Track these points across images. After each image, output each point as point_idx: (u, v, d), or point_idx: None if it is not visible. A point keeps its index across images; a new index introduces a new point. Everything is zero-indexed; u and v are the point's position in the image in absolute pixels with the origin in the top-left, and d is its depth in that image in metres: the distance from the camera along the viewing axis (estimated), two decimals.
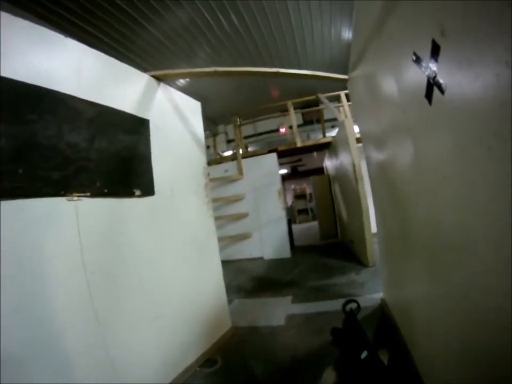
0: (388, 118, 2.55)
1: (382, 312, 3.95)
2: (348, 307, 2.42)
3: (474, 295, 1.32)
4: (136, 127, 3.01)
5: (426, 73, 1.41)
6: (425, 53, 1.39)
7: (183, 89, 4.00)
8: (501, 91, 0.91)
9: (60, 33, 2.45)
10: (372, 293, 4.67)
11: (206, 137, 4.33)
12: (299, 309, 4.68)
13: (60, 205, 2.22)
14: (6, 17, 2.05)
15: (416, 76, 1.57)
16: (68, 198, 2.26)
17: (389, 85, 2.25)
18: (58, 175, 2.19)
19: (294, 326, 4.07)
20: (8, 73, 1.97)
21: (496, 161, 0.99)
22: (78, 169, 2.34)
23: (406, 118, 1.96)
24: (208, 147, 4.43)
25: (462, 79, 1.11)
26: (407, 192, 2.28)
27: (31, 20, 2.20)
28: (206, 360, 3.38)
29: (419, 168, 1.87)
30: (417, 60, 1.51)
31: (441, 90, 1.28)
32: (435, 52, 1.28)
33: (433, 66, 1.33)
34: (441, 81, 1.27)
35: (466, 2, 1.02)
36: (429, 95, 1.42)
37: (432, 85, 1.36)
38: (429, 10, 1.31)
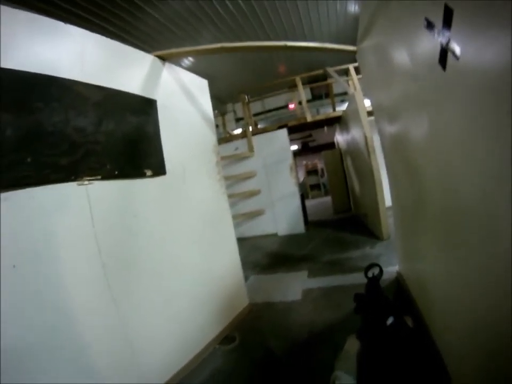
0: (400, 88, 2.48)
1: (398, 285, 3.96)
2: (370, 272, 2.35)
3: (492, 276, 1.29)
4: (144, 108, 2.99)
5: (439, 39, 1.36)
6: (437, 18, 1.33)
7: (189, 69, 3.94)
8: None
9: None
10: (387, 266, 4.64)
11: (215, 116, 4.30)
12: (315, 283, 4.71)
13: (71, 190, 2.24)
14: (6, 9, 2.03)
15: (428, 42, 1.51)
16: (79, 182, 2.27)
17: (400, 54, 2.18)
18: (67, 160, 2.19)
19: (311, 301, 4.10)
20: (10, 64, 1.96)
21: None
22: (86, 153, 2.34)
23: (419, 87, 1.91)
24: (217, 126, 4.40)
25: (477, 43, 1.06)
26: (422, 162, 2.23)
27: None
28: (225, 338, 3.43)
29: (434, 137, 1.82)
30: (429, 26, 1.46)
31: (456, 56, 1.23)
32: (448, 17, 1.23)
33: (446, 32, 1.27)
34: (455, 45, 1.22)
35: None
36: (443, 61, 1.37)
37: (445, 50, 1.32)
38: None
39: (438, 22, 1.32)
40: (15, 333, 1.77)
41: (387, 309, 2.08)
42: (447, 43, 1.28)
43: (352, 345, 2.08)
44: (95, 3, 6.17)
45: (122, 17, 6.97)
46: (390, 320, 1.98)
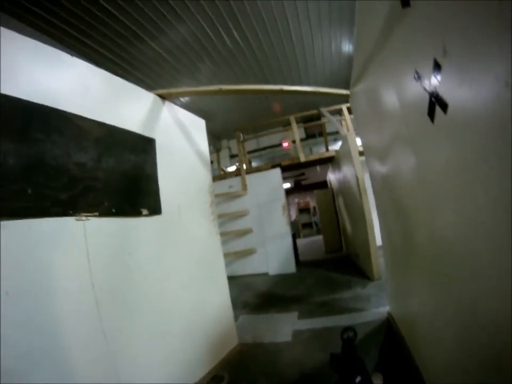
0: (390, 132, 2.58)
1: (388, 325, 3.93)
2: (346, 334, 2.53)
3: (476, 309, 1.34)
4: (143, 147, 3.05)
5: (428, 91, 1.44)
6: (427, 71, 1.42)
7: (186, 105, 4.08)
8: (501, 112, 0.93)
9: (65, 50, 2.51)
10: (378, 306, 4.65)
11: (210, 152, 4.37)
12: (305, 324, 4.65)
13: (69, 225, 2.25)
14: (13, 36, 2.10)
15: (418, 93, 1.60)
16: (77, 218, 2.29)
17: (391, 101, 2.28)
18: (66, 194, 2.22)
19: (301, 342, 4.05)
20: (15, 92, 2.01)
21: (496, 178, 1.02)
22: (85, 188, 2.37)
23: (409, 133, 1.99)
24: (212, 162, 4.49)
25: (463, 98, 1.14)
26: (411, 206, 2.30)
27: (35, 36, 2.26)
28: (213, 377, 3.36)
29: (422, 182, 1.89)
30: (419, 78, 1.54)
31: (444, 109, 1.30)
32: (437, 71, 1.31)
33: (435, 85, 1.36)
34: (443, 99, 1.30)
35: (468, 24, 1.05)
36: (431, 113, 1.45)
37: (434, 103, 1.39)
38: (431, 29, 1.34)
39: (428, 75, 1.40)
40: (4, 359, 1.73)
41: (357, 369, 2.29)
42: (436, 96, 1.35)
43: None
44: (97, 30, 6.37)
45: (123, 47, 7.18)
46: (358, 379, 2.20)
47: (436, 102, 1.37)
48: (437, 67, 1.31)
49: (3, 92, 1.94)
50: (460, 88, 1.15)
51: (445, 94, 1.28)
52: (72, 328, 2.15)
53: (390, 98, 2.29)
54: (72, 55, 2.56)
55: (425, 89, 1.48)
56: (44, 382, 1.91)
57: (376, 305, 4.75)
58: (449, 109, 1.26)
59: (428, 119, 1.50)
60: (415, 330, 2.74)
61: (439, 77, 1.31)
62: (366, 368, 2.36)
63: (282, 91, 4.02)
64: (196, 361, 3.27)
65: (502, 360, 1.15)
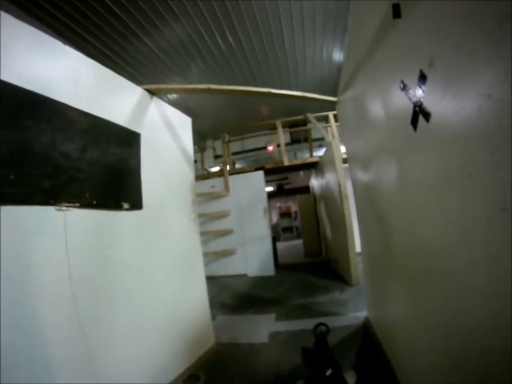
0: (374, 140, 2.63)
1: (365, 330, 3.98)
2: (318, 329, 2.58)
3: (452, 318, 1.38)
4: (128, 140, 3.04)
5: (413, 100, 1.48)
6: (412, 81, 1.46)
7: (174, 102, 4.07)
8: (483, 122, 0.97)
9: (59, 39, 2.48)
10: (355, 311, 4.71)
11: (194, 152, 4.37)
12: (282, 326, 4.67)
13: (49, 214, 2.21)
14: (8, 19, 2.08)
15: (402, 102, 1.65)
16: (57, 207, 2.26)
17: (376, 109, 2.33)
18: (49, 183, 2.18)
19: (277, 344, 4.07)
20: (6, 77, 1.97)
21: (476, 189, 1.06)
22: (68, 178, 2.34)
23: (391, 142, 2.04)
24: (195, 162, 4.50)
25: (446, 109, 1.18)
26: (390, 214, 2.35)
27: (32, 23, 2.23)
28: (190, 376, 3.35)
29: (402, 191, 1.94)
30: (404, 88, 1.59)
31: (426, 119, 1.35)
32: (422, 82, 1.36)
33: (419, 95, 1.40)
34: (426, 109, 1.34)
35: (455, 38, 1.09)
36: (414, 122, 1.50)
37: (417, 112, 1.44)
38: (419, 41, 1.39)
39: (413, 85, 1.45)
40: None
41: (327, 362, 2.37)
42: (420, 106, 1.40)
43: None
44: (93, 22, 6.30)
45: (117, 41, 7.12)
46: (328, 372, 2.27)
47: (420, 111, 1.41)
48: (423, 78, 1.35)
49: None
50: (443, 98, 1.20)
51: (429, 104, 1.33)
52: (47, 322, 2.11)
53: (376, 107, 2.34)
54: (64, 43, 2.54)
55: (410, 98, 1.53)
56: (18, 377, 1.89)
57: (353, 310, 4.81)
58: (432, 119, 1.31)
59: (411, 127, 1.54)
60: (392, 335, 2.79)
61: (424, 87, 1.35)
62: (338, 362, 2.43)
63: (270, 94, 4.05)
64: (173, 358, 3.25)
65: (479, 365, 1.19)
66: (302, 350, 2.51)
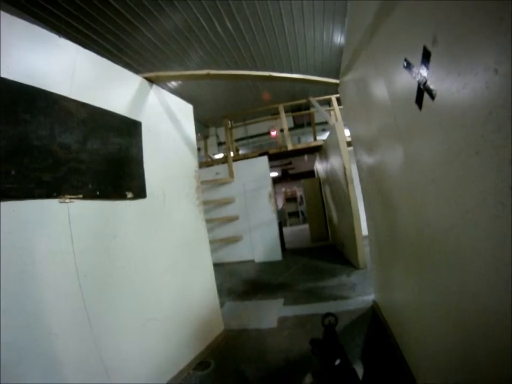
0: (378, 122, 2.58)
1: (373, 313, 3.99)
2: (327, 320, 2.59)
3: (462, 299, 1.36)
4: (129, 129, 3.01)
5: (417, 79, 1.44)
6: (416, 59, 1.42)
7: (175, 91, 4.04)
8: (489, 98, 0.94)
9: (54, 33, 2.46)
10: (363, 295, 4.72)
11: (197, 139, 4.35)
12: (291, 311, 4.69)
13: (52, 207, 2.22)
14: (3, 15, 2.05)
15: (406, 81, 1.60)
16: (60, 200, 2.26)
17: (379, 90, 2.28)
18: (50, 176, 2.18)
19: (286, 328, 4.09)
20: (3, 72, 1.97)
21: (484, 166, 1.02)
22: (70, 170, 2.34)
23: (396, 122, 2.00)
24: (199, 149, 4.48)
25: (451, 86, 1.14)
26: (397, 195, 2.32)
27: (25, 19, 2.20)
28: (199, 363, 3.38)
29: (408, 171, 1.90)
30: (408, 66, 1.55)
31: (432, 96, 1.31)
32: (426, 59, 1.32)
33: (423, 73, 1.36)
34: (431, 87, 1.31)
35: (458, 14, 1.05)
36: (419, 101, 1.46)
37: (422, 90, 1.40)
38: (421, 19, 1.35)
39: (417, 63, 1.41)
40: None
41: (336, 352, 2.36)
42: (424, 84, 1.36)
43: (308, 380, 2.46)
44: (88, 14, 6.24)
45: (114, 32, 7.06)
46: (337, 362, 2.29)
47: (424, 89, 1.37)
48: (426, 55, 1.31)
49: None
50: (448, 75, 1.16)
51: (433, 82, 1.29)
52: (55, 313, 2.13)
53: (379, 87, 2.29)
54: (59, 36, 2.51)
55: (414, 77, 1.49)
56: (27, 369, 1.90)
57: (361, 294, 4.81)
58: (437, 96, 1.27)
59: (416, 106, 1.51)
60: (400, 319, 2.78)
61: (428, 65, 1.31)
62: (345, 353, 2.43)
63: (271, 77, 3.99)
64: (182, 346, 3.28)
65: (489, 347, 1.17)
66: (310, 342, 2.53)
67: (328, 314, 2.59)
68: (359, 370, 2.61)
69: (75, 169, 2.38)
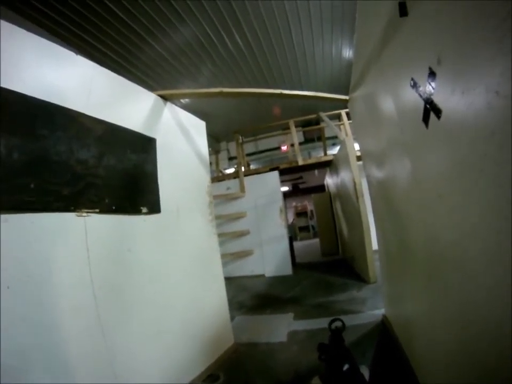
0: (387, 137, 2.63)
1: (383, 328, 3.97)
2: (334, 325, 2.61)
3: (470, 312, 1.38)
4: (144, 146, 3.10)
5: (423, 97, 1.50)
6: (422, 79, 1.47)
7: (186, 106, 4.14)
8: (492, 118, 0.98)
9: (70, 49, 2.56)
10: (373, 309, 4.70)
11: (209, 154, 4.43)
12: (301, 325, 4.68)
13: (69, 220, 2.28)
14: (18, 31, 2.14)
15: (413, 99, 1.65)
16: (77, 213, 2.33)
17: (388, 107, 2.33)
18: (68, 190, 2.25)
19: (296, 343, 4.08)
20: (21, 89, 2.04)
21: (488, 183, 1.06)
22: (87, 185, 2.41)
23: (404, 139, 2.04)
24: (210, 164, 4.58)
25: (456, 105, 1.19)
26: (406, 210, 2.35)
27: (37, 32, 2.30)
28: (209, 376, 3.38)
29: (417, 186, 1.94)
30: (415, 85, 1.60)
31: (437, 116, 1.36)
32: (431, 78, 1.37)
33: (429, 92, 1.41)
34: (437, 106, 1.36)
35: (462, 35, 1.10)
36: (425, 119, 1.51)
37: (428, 109, 1.45)
38: (426, 39, 1.40)
39: (423, 82, 1.46)
40: (3, 353, 1.76)
41: (344, 358, 2.39)
42: (430, 103, 1.41)
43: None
44: (101, 30, 6.46)
45: (126, 47, 7.27)
46: (345, 367, 2.31)
47: (430, 108, 1.42)
48: (432, 75, 1.36)
49: (8, 87, 1.97)
50: (453, 95, 1.21)
51: (439, 101, 1.34)
52: (70, 324, 2.17)
53: (387, 104, 2.34)
54: (76, 53, 2.61)
55: (420, 95, 1.54)
56: (40, 378, 1.93)
57: (371, 308, 4.79)
58: (443, 115, 1.32)
59: (422, 124, 1.55)
60: (410, 333, 2.78)
61: (433, 84, 1.36)
62: (353, 358, 2.44)
63: (282, 95, 4.08)
64: (192, 359, 3.29)
65: (499, 364, 1.19)
66: (318, 346, 2.54)
67: (335, 320, 2.62)
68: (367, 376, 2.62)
69: (92, 184, 2.45)
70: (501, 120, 0.94)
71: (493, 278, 1.14)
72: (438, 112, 1.35)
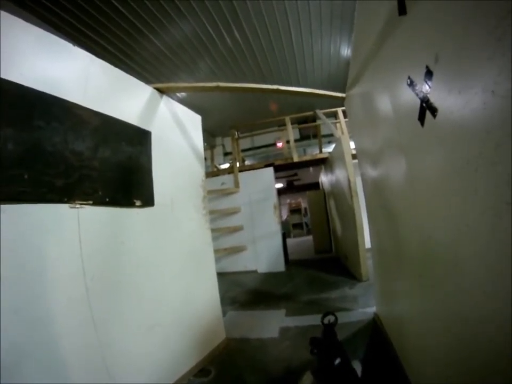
0: (382, 136, 2.64)
1: (374, 326, 3.99)
2: (326, 319, 2.61)
3: (462, 311, 1.39)
4: (139, 139, 3.08)
5: (420, 96, 1.50)
6: (419, 77, 1.48)
7: (183, 100, 4.13)
8: (488, 117, 0.98)
9: (68, 41, 2.53)
10: (365, 307, 4.72)
11: (204, 149, 4.41)
12: (293, 321, 4.70)
13: (63, 212, 2.27)
14: (16, 21, 2.13)
15: (410, 98, 1.66)
16: (71, 205, 2.31)
17: (384, 105, 2.34)
18: (62, 182, 2.23)
19: (288, 338, 4.09)
20: (17, 78, 2.02)
21: (483, 182, 1.07)
22: (81, 177, 2.39)
23: (399, 137, 2.05)
24: (205, 159, 4.56)
25: (452, 104, 1.19)
26: (400, 208, 2.36)
27: (39, 25, 2.28)
28: (200, 370, 3.39)
29: (411, 185, 1.95)
30: (411, 84, 1.60)
31: (433, 114, 1.36)
32: (428, 77, 1.37)
33: (426, 91, 1.41)
34: (433, 105, 1.36)
35: (460, 35, 1.10)
36: (421, 118, 1.51)
37: (424, 108, 1.45)
38: (424, 38, 1.40)
39: (420, 80, 1.46)
40: None
41: (336, 352, 2.39)
42: (426, 102, 1.41)
43: (307, 379, 2.52)
44: (100, 23, 6.42)
45: (125, 41, 7.23)
46: (337, 361, 2.31)
47: (426, 107, 1.42)
48: (429, 74, 1.36)
49: (5, 77, 1.94)
50: (449, 94, 1.21)
51: (435, 100, 1.34)
52: (62, 316, 2.16)
53: (384, 103, 2.34)
54: (73, 44, 2.58)
55: (416, 94, 1.54)
56: (31, 371, 1.93)
57: (363, 306, 4.82)
58: (439, 114, 1.32)
59: (418, 123, 1.56)
60: (401, 331, 2.80)
61: (430, 83, 1.36)
62: (345, 352, 2.45)
63: (278, 90, 4.06)
64: (184, 353, 3.30)
65: (491, 362, 1.20)
66: (310, 340, 2.54)
67: (328, 313, 2.62)
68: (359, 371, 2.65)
69: (86, 176, 2.43)
70: (497, 120, 0.94)
71: (486, 277, 1.14)
72: (433, 111, 1.36)
